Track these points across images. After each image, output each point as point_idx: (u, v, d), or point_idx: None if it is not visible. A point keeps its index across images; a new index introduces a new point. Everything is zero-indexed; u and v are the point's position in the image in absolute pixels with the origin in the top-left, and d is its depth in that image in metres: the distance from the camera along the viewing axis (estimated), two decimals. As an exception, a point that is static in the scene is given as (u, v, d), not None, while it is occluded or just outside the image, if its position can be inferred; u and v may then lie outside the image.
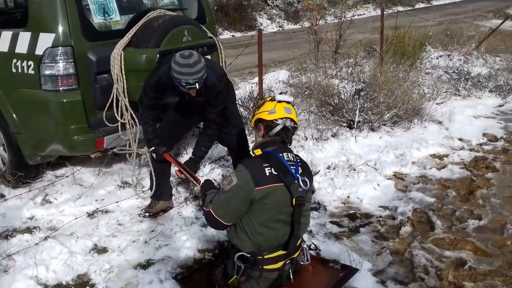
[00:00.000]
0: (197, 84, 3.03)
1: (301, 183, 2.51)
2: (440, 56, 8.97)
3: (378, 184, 4.27)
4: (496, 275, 3.02)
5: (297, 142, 4.87)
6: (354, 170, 4.47)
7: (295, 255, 2.68)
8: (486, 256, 3.25)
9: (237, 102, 5.36)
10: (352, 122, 5.37)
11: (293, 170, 2.53)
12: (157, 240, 3.36)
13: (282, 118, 2.60)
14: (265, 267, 2.61)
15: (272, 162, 2.52)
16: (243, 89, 6.39)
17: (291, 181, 2.50)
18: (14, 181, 3.97)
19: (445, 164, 4.78)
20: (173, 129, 3.65)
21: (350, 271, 2.92)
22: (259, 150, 2.63)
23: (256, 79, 6.62)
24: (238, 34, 14.91)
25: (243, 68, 8.65)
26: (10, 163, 4.03)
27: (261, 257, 2.59)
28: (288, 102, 2.67)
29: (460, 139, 5.43)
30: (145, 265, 3.10)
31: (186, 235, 3.42)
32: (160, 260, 3.15)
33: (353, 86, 6.09)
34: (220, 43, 4.38)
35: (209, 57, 4.17)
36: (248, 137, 4.59)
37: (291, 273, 2.69)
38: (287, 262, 2.66)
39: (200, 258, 3.20)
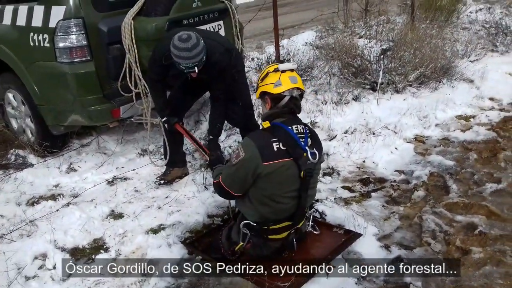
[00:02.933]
0: (196, 67, 3.06)
1: (309, 156, 2.49)
2: (480, 9, 8.44)
3: (396, 148, 4.17)
4: (507, 240, 2.93)
5: (316, 107, 4.80)
6: (373, 134, 4.38)
7: (300, 225, 2.71)
8: (499, 221, 3.14)
9: (255, 68, 5.36)
10: (375, 84, 5.21)
11: (302, 142, 2.50)
12: (170, 206, 3.47)
13: (288, 90, 2.54)
14: (270, 236, 2.66)
15: (280, 136, 2.48)
16: (268, 52, 6.31)
17: (299, 154, 2.48)
18: (41, 151, 4.17)
19: (470, 125, 4.60)
20: (181, 99, 3.69)
21: (352, 236, 2.93)
22: (267, 122, 2.58)
23: (283, 42, 6.50)
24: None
25: (272, 30, 8.46)
26: (37, 134, 4.23)
27: (266, 227, 2.64)
28: (292, 70, 2.59)
29: (491, 99, 5.17)
30: (156, 230, 3.22)
31: (198, 201, 3.52)
32: (171, 225, 3.26)
33: (380, 46, 5.87)
34: (233, 8, 4.31)
35: (221, 22, 4.15)
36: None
37: (294, 242, 2.74)
38: (292, 232, 2.70)
39: (209, 223, 3.30)
